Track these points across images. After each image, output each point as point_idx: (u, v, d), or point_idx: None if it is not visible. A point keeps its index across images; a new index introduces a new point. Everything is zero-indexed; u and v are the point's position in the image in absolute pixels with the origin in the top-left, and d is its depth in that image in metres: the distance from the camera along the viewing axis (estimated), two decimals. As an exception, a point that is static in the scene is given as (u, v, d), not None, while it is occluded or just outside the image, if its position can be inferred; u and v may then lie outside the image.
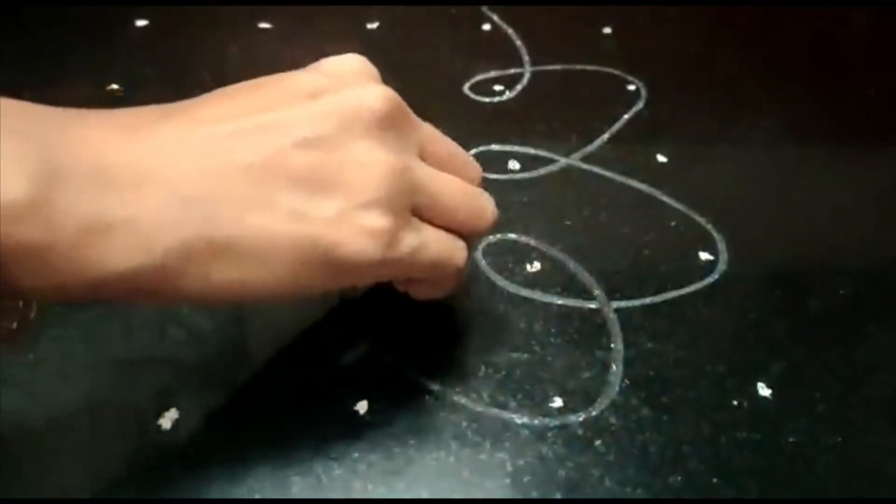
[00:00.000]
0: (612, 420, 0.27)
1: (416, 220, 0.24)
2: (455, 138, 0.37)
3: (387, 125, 0.23)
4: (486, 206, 0.26)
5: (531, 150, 0.38)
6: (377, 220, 0.22)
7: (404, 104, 0.24)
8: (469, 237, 0.26)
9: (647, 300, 0.31)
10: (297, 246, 0.21)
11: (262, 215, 0.21)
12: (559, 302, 0.30)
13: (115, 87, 0.40)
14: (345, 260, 0.22)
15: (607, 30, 0.46)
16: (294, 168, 0.21)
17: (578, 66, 0.43)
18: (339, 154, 0.22)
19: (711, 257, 0.33)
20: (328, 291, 0.24)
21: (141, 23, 0.45)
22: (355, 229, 0.22)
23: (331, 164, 0.22)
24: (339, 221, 0.22)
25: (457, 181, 0.25)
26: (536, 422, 0.26)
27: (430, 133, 0.25)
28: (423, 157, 0.25)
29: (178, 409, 0.26)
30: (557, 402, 0.27)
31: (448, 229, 0.25)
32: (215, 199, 0.20)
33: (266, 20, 0.45)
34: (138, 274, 0.19)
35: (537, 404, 0.27)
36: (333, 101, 0.23)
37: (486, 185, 0.35)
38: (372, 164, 0.22)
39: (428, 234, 0.24)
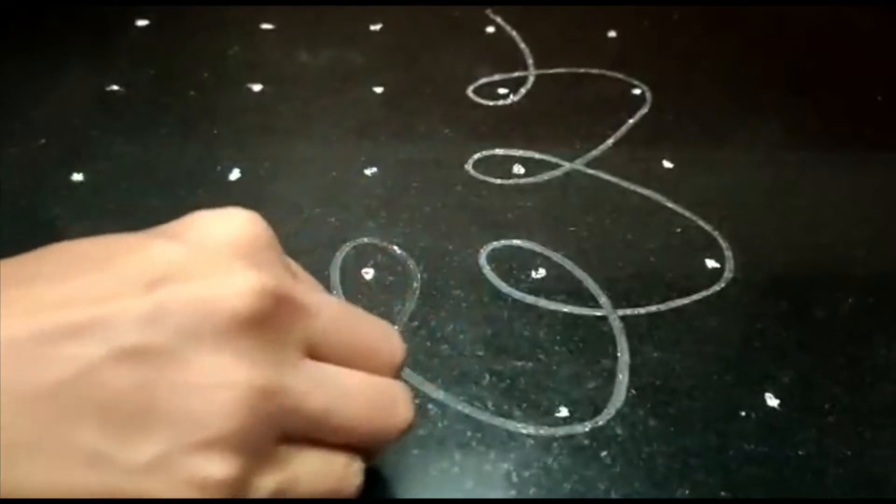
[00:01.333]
0: (619, 430, 0.26)
1: (284, 452, 0.18)
2: (459, 142, 0.38)
3: (253, 329, 0.17)
4: (395, 411, 0.20)
5: (535, 155, 0.37)
6: (217, 469, 0.16)
7: (290, 293, 0.18)
8: (373, 447, 0.21)
9: (653, 308, 0.30)
10: (96, 499, 0.16)
11: (54, 463, 0.16)
12: (564, 309, 0.30)
13: (114, 87, 0.40)
14: None
15: (612, 33, 0.46)
16: (103, 393, 0.16)
17: (583, 70, 0.43)
18: (172, 372, 0.16)
19: (717, 265, 0.32)
20: None
21: (141, 23, 0.44)
22: (181, 481, 0.16)
23: (157, 386, 0.16)
24: (158, 469, 0.16)
25: (359, 383, 0.20)
26: (542, 432, 0.26)
27: (332, 316, 0.19)
28: (316, 351, 0.19)
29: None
30: (563, 412, 0.27)
31: (346, 445, 0.20)
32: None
33: (268, 21, 0.45)
34: None
35: (542, 414, 0.27)
36: (178, 293, 0.17)
37: (490, 190, 0.35)
38: (220, 386, 0.16)
39: (300, 466, 0.18)
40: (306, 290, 0.19)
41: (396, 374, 0.21)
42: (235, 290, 0.17)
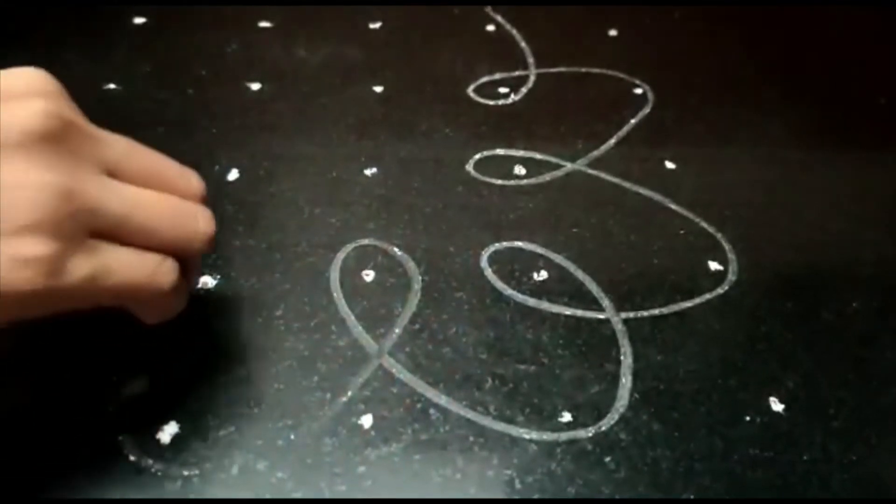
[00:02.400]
0: (622, 435, 0.26)
1: (94, 244, 0.21)
2: (459, 142, 0.37)
3: (45, 143, 0.20)
4: (196, 221, 0.24)
5: (537, 155, 0.37)
6: (31, 248, 0.20)
7: (77, 120, 0.22)
8: (186, 255, 0.24)
9: (657, 311, 0.30)
10: None
11: None
12: (567, 312, 0.30)
13: (111, 86, 0.39)
14: None
15: (613, 32, 0.46)
16: None
17: (584, 69, 0.43)
18: None
19: (721, 267, 0.32)
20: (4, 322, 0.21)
21: (139, 20, 0.44)
22: (5, 259, 0.19)
23: None
24: None
25: (157, 196, 0.23)
26: (545, 437, 0.26)
27: (124, 148, 0.23)
28: (115, 175, 0.22)
29: (177, 423, 0.25)
30: (566, 417, 0.26)
31: (157, 249, 0.23)
32: None
33: (266, 19, 0.45)
34: None
35: (545, 419, 0.26)
36: None
37: (491, 190, 0.35)
38: (25, 186, 0.20)
39: (111, 256, 0.22)
40: (97, 129, 0.23)
41: (200, 202, 0.25)
42: (26, 113, 0.21)
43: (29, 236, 0.20)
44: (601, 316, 0.30)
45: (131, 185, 0.23)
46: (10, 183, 0.20)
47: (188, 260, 0.25)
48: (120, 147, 0.23)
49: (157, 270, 0.23)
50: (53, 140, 0.21)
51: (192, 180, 0.25)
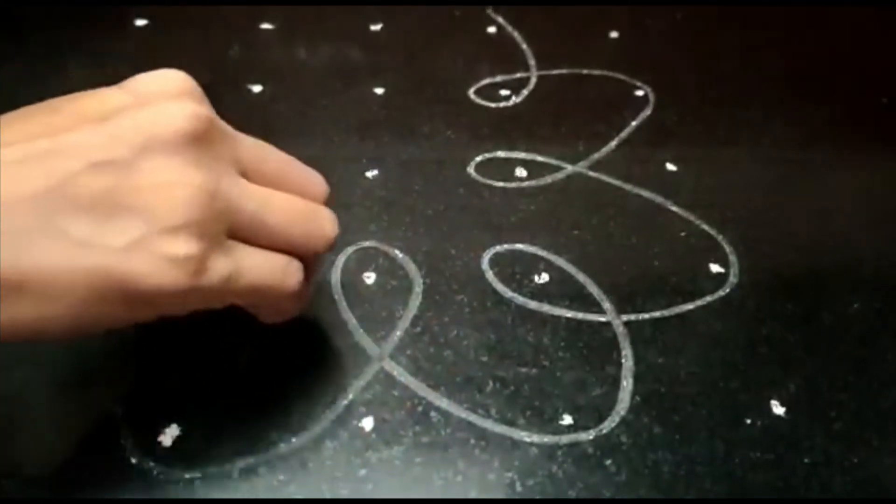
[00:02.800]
0: (623, 438, 0.26)
1: (232, 244, 0.22)
2: (460, 144, 0.37)
3: (194, 144, 0.21)
4: (323, 224, 0.25)
5: (538, 158, 0.37)
6: (181, 247, 0.20)
7: (218, 121, 0.23)
8: (307, 257, 0.25)
9: (658, 313, 0.30)
10: (89, 278, 0.20)
11: (49, 247, 0.19)
12: (568, 315, 0.30)
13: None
14: (145, 291, 0.20)
15: (614, 33, 0.46)
16: (84, 194, 0.20)
17: (585, 71, 0.43)
18: (135, 177, 0.20)
19: (722, 269, 0.32)
20: (141, 321, 0.22)
21: (140, 22, 0.44)
22: (155, 258, 0.20)
23: (125, 188, 0.20)
24: (135, 249, 0.20)
25: (287, 198, 0.24)
26: (546, 439, 0.26)
27: (256, 150, 0.24)
28: (247, 176, 0.23)
29: (178, 425, 0.25)
30: (567, 420, 0.26)
31: (282, 250, 0.24)
32: None
33: (268, 21, 0.45)
34: None
35: (546, 421, 0.26)
36: (130, 120, 0.21)
37: (493, 192, 0.35)
38: (174, 185, 0.21)
39: (246, 258, 0.22)
40: (232, 129, 0.24)
41: (324, 202, 0.26)
42: (176, 114, 0.21)
43: (179, 235, 0.20)
44: (602, 318, 0.30)
45: (262, 187, 0.24)
46: (164, 182, 0.21)
47: (309, 262, 0.25)
48: (253, 148, 0.24)
49: (286, 271, 0.24)
50: (201, 141, 0.22)
51: (318, 182, 0.26)
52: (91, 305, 0.20)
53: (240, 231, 0.22)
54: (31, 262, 0.19)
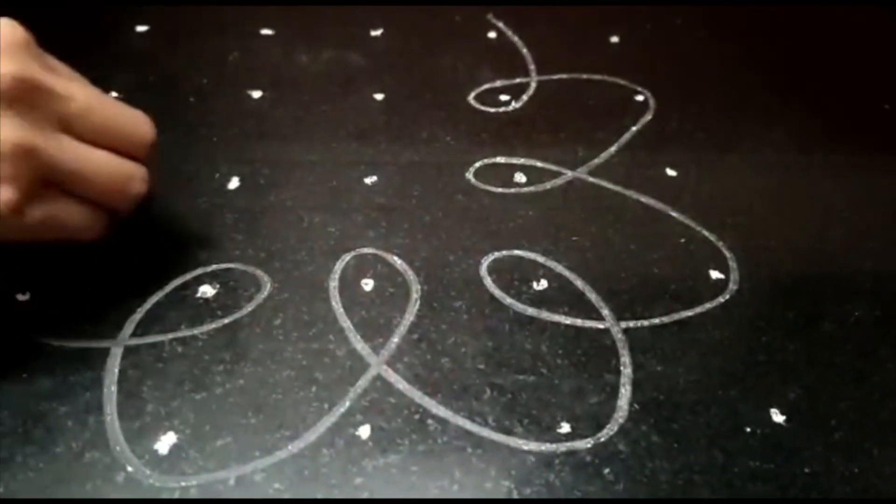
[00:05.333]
0: (621, 447, 0.26)
1: (49, 193, 0.26)
2: (460, 150, 0.37)
3: (15, 104, 0.24)
4: (130, 183, 0.28)
5: (537, 163, 0.37)
6: (2, 195, 0.24)
7: (39, 79, 0.25)
8: (115, 208, 0.28)
9: (657, 320, 0.30)
10: None
11: None
12: (566, 321, 0.30)
13: (113, 94, 0.40)
14: None
15: (615, 38, 0.46)
16: None
17: (585, 76, 0.43)
18: None
19: (722, 276, 0.32)
20: None
21: (141, 28, 0.44)
22: None
23: None
24: None
25: (101, 158, 0.27)
26: (544, 448, 0.26)
27: (83, 104, 0.26)
28: (69, 129, 0.26)
29: (175, 433, 0.25)
30: (565, 428, 0.26)
31: (94, 202, 0.27)
32: None
33: (268, 27, 0.45)
34: None
35: (544, 429, 0.26)
36: None
37: (491, 198, 0.35)
38: None
39: (60, 206, 0.26)
40: (61, 80, 0.26)
41: (147, 153, 0.28)
42: None
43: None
44: (601, 325, 0.30)
45: (82, 144, 0.26)
46: None
47: (117, 212, 0.29)
48: (79, 102, 0.26)
49: (93, 225, 0.28)
50: (20, 100, 0.24)
51: (145, 129, 0.28)
52: None
53: (58, 183, 0.26)
54: None
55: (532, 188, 0.36)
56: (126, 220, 0.29)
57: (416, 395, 0.27)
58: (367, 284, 0.31)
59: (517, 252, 0.32)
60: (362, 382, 0.27)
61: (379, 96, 0.40)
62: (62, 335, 0.28)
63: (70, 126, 0.26)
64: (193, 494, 0.24)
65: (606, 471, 0.25)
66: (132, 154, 0.28)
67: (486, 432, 0.26)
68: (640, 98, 0.41)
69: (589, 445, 0.26)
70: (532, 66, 0.43)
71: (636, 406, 0.27)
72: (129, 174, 0.28)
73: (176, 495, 0.24)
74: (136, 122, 0.28)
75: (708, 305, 0.31)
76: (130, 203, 0.28)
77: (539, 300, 0.30)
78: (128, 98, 0.39)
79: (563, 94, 0.42)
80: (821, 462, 0.25)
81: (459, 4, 0.47)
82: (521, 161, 0.37)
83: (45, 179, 0.25)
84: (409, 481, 0.25)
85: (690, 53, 0.45)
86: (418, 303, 0.30)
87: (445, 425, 0.26)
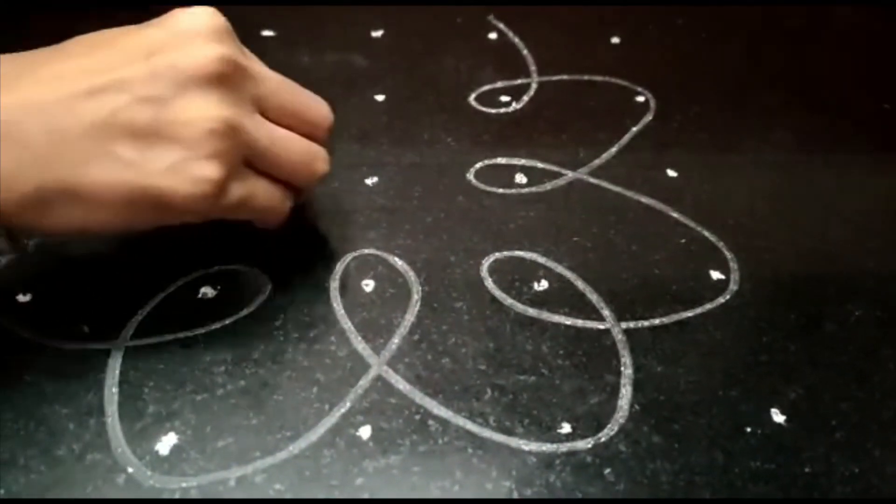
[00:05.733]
0: (622, 447, 0.26)
1: (247, 172, 0.27)
2: (461, 151, 0.37)
3: (221, 83, 0.25)
4: (317, 164, 0.29)
5: (538, 164, 0.37)
6: (208, 171, 0.25)
7: (242, 62, 0.26)
8: (301, 186, 0.30)
9: (657, 321, 0.30)
10: (132, 193, 0.25)
11: (102, 166, 0.24)
12: (567, 322, 0.30)
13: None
14: (177, 205, 0.25)
15: (615, 39, 0.46)
16: (132, 124, 0.24)
17: (586, 77, 0.43)
18: (173, 111, 0.25)
19: (723, 276, 0.32)
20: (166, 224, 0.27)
21: (142, 30, 0.44)
22: (187, 178, 0.25)
23: (164, 121, 0.25)
24: (172, 171, 0.25)
25: (293, 138, 0.28)
26: (544, 448, 0.26)
27: (275, 87, 0.28)
28: (263, 112, 0.27)
29: (175, 433, 0.25)
30: (566, 428, 0.26)
31: (280, 180, 0.28)
32: (61, 155, 0.24)
33: (269, 28, 0.45)
34: (3, 213, 0.24)
35: (545, 430, 0.26)
36: (169, 60, 0.25)
37: (492, 199, 0.35)
38: (205, 120, 0.25)
39: (257, 185, 0.27)
40: (255, 64, 0.28)
41: (326, 135, 0.30)
42: (208, 55, 0.25)
43: (208, 162, 0.25)
44: (602, 326, 0.30)
45: (272, 124, 0.28)
46: (195, 117, 0.25)
47: (301, 190, 0.30)
48: (271, 84, 0.28)
49: (283, 200, 0.29)
50: (227, 81, 0.26)
51: (325, 112, 0.30)
52: (130, 213, 0.25)
53: (253, 161, 0.27)
54: (87, 177, 0.24)
55: (533, 189, 0.36)
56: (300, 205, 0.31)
57: (417, 396, 0.27)
58: (368, 285, 0.31)
59: (518, 253, 0.32)
60: (363, 383, 0.27)
61: (380, 97, 0.40)
62: (63, 336, 0.28)
63: (263, 106, 0.27)
64: (194, 495, 0.24)
65: (607, 471, 0.25)
66: (313, 135, 0.29)
67: (486, 433, 0.26)
68: (640, 99, 0.41)
69: (589, 446, 0.26)
70: (533, 67, 0.43)
71: (637, 406, 0.27)
72: (315, 154, 0.29)
73: (177, 496, 0.24)
74: (318, 105, 0.30)
75: (709, 306, 0.31)
76: (315, 182, 0.30)
77: (540, 301, 0.30)
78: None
79: (564, 95, 0.42)
80: (822, 462, 0.25)
81: (461, 4, 0.47)
82: (522, 162, 0.37)
83: (245, 157, 0.27)
84: (410, 482, 0.25)
85: (691, 54, 0.45)
86: (419, 303, 0.30)
87: (446, 426, 0.26)
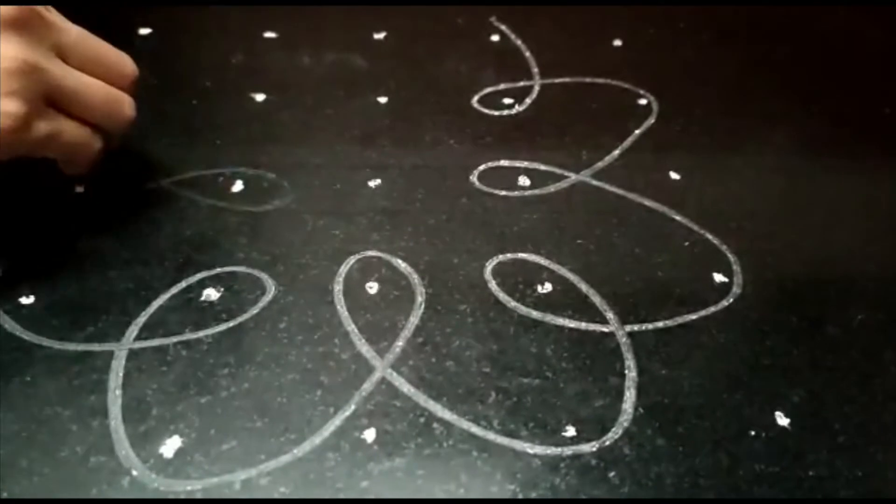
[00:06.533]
0: (626, 450, 0.26)
1: (52, 112, 0.29)
2: (464, 153, 0.37)
3: (19, 28, 0.27)
4: (123, 108, 0.31)
5: (541, 166, 0.37)
6: (9, 108, 0.27)
7: (41, 11, 0.28)
8: (109, 130, 0.31)
9: (661, 324, 0.30)
10: None
11: None
12: (571, 325, 0.30)
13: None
14: None
15: (618, 42, 0.46)
16: None
17: (588, 79, 0.43)
18: None
19: (726, 279, 0.32)
20: None
21: (144, 31, 0.44)
22: None
23: None
24: None
25: (98, 83, 0.30)
26: (549, 451, 0.26)
27: (76, 38, 0.30)
28: (66, 60, 0.29)
29: (179, 437, 0.25)
30: (570, 431, 0.26)
31: (88, 122, 0.30)
32: None
33: (271, 29, 0.45)
34: None
35: (549, 433, 0.26)
36: None
37: (496, 202, 0.35)
38: (3, 60, 0.27)
39: (63, 124, 0.29)
40: (57, 16, 0.29)
41: (132, 87, 0.32)
42: (5, 5, 0.27)
43: (8, 98, 0.27)
44: (605, 329, 0.30)
45: (79, 71, 0.30)
46: None
47: (109, 136, 0.32)
48: (73, 35, 0.30)
49: (90, 141, 0.31)
50: (25, 27, 0.27)
51: (127, 66, 0.32)
52: None
53: (58, 102, 0.29)
54: None
55: (536, 191, 0.36)
56: (111, 153, 0.33)
57: (422, 399, 0.27)
58: (372, 287, 0.31)
59: (521, 255, 0.32)
60: (367, 386, 0.27)
61: (382, 99, 0.40)
62: (66, 338, 0.28)
63: (65, 54, 0.29)
64: (199, 498, 0.24)
65: (612, 474, 0.25)
66: (118, 85, 0.31)
67: (491, 436, 0.26)
68: (643, 101, 0.41)
69: (594, 449, 0.26)
70: (535, 70, 0.43)
71: (641, 409, 0.27)
72: (121, 99, 0.31)
73: (181, 499, 0.24)
74: (121, 58, 0.32)
75: (712, 309, 0.31)
76: (122, 126, 0.32)
77: (543, 303, 0.30)
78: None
79: (567, 97, 0.42)
80: (825, 466, 0.25)
81: (462, 4, 0.47)
82: (525, 164, 0.37)
83: (48, 97, 0.28)
84: (415, 485, 0.25)
85: (694, 57, 0.45)
86: (423, 306, 0.30)
87: (451, 429, 0.26)
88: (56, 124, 0.29)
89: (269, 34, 0.45)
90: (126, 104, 0.31)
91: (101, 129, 0.31)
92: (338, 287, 0.31)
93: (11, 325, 0.28)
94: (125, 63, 0.32)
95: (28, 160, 0.30)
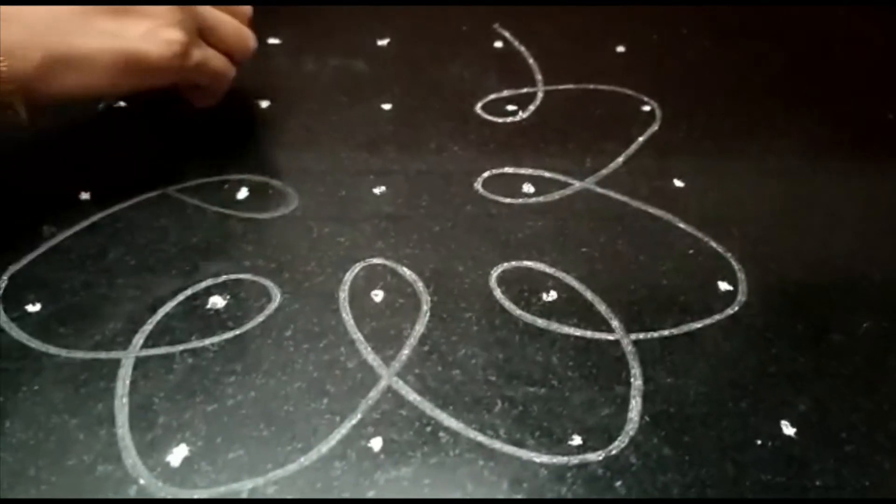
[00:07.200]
0: (633, 459, 0.26)
1: (201, 42, 0.34)
2: (467, 160, 0.37)
3: None
4: (247, 38, 0.37)
5: (545, 174, 0.37)
6: (174, 35, 0.31)
7: None
8: (237, 59, 0.36)
9: (666, 332, 0.30)
10: (116, 55, 0.30)
11: (89, 36, 0.29)
12: (576, 333, 0.30)
13: (122, 104, 0.40)
14: (152, 63, 0.31)
15: (621, 48, 0.46)
16: (108, 5, 0.30)
17: (592, 86, 0.43)
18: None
19: (731, 287, 0.32)
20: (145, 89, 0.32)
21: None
22: (160, 41, 0.31)
23: (137, 10, 0.31)
24: (145, 37, 0.31)
25: (228, 18, 0.35)
26: (555, 460, 0.26)
27: None
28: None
29: (186, 445, 0.25)
30: (577, 440, 0.26)
31: (222, 52, 0.35)
32: (57, 29, 0.29)
33: (276, 36, 0.45)
34: (22, 79, 0.28)
35: (556, 442, 0.26)
36: None
37: (500, 209, 0.35)
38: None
39: (209, 52, 0.34)
40: None
41: (251, 27, 0.37)
42: None
43: (172, 29, 0.31)
44: (611, 337, 0.30)
45: (218, 11, 0.35)
46: None
47: (237, 65, 0.37)
48: None
49: (228, 66, 0.36)
50: None
51: (244, 7, 0.37)
52: (116, 75, 0.30)
53: (203, 34, 0.34)
54: (79, 46, 0.29)
55: (540, 198, 0.36)
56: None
57: (428, 407, 0.27)
58: (377, 295, 0.31)
59: (526, 263, 0.32)
60: (374, 394, 0.27)
61: (387, 106, 0.41)
62: (73, 346, 0.28)
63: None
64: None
65: (618, 483, 0.25)
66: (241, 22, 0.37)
67: (497, 444, 0.26)
68: (646, 108, 0.41)
69: (600, 458, 0.26)
70: (539, 76, 0.43)
71: (647, 418, 0.27)
72: (246, 32, 0.37)
73: (188, 508, 0.24)
74: (242, 6, 0.37)
75: (717, 317, 0.31)
76: (248, 55, 0.37)
77: (549, 312, 0.30)
78: (135, 109, 0.39)
79: (570, 104, 0.42)
80: (832, 475, 0.26)
81: (466, 4, 0.47)
82: (529, 171, 0.37)
83: (199, 28, 0.33)
84: (422, 493, 0.25)
85: (696, 63, 0.45)
86: (428, 314, 0.30)
87: (457, 438, 0.26)
88: (205, 52, 0.34)
89: (273, 40, 0.45)
90: (250, 38, 0.37)
91: (233, 57, 0.36)
92: (343, 295, 0.31)
93: (18, 333, 0.28)
94: (242, 6, 0.37)
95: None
